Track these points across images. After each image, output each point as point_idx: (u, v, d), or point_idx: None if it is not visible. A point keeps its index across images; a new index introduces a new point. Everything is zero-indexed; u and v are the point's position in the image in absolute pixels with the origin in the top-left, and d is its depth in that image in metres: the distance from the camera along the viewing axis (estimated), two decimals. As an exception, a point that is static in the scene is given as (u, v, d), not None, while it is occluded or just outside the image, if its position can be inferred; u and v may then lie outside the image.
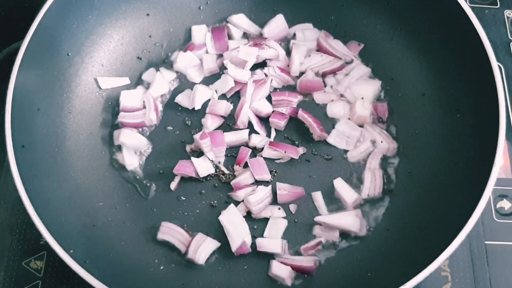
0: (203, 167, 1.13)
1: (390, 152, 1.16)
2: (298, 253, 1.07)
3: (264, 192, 1.10)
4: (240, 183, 1.11)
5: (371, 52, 1.27)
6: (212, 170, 1.14)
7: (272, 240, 1.06)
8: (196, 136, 1.14)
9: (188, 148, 1.17)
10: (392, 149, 1.16)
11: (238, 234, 1.05)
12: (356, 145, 1.17)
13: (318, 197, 1.12)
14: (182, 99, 1.23)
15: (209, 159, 1.14)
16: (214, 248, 1.06)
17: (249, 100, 1.20)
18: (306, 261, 1.05)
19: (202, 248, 1.05)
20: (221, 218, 1.07)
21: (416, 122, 1.17)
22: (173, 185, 1.13)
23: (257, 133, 1.18)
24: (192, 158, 1.13)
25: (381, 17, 1.26)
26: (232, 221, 1.07)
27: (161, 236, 1.08)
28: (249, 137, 1.17)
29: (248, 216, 1.10)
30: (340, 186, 1.12)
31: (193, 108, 1.21)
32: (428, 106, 1.17)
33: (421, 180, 1.11)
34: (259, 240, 1.06)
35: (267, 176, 1.12)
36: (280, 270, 1.03)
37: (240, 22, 1.30)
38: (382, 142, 1.16)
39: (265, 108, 1.20)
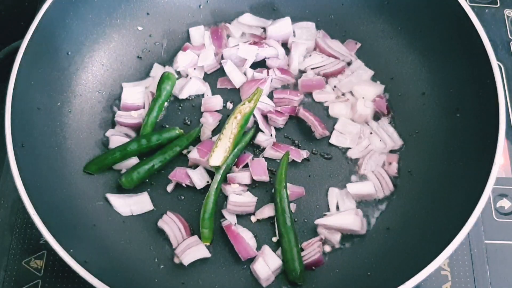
0: (199, 178, 1.11)
1: (394, 148, 1.17)
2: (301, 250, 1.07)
3: (247, 199, 1.09)
4: (235, 179, 1.11)
5: (371, 51, 1.27)
6: (209, 180, 1.12)
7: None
8: (191, 155, 1.13)
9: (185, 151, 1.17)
10: (394, 147, 1.16)
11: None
12: (358, 142, 1.17)
13: (334, 194, 1.12)
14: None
15: (205, 169, 1.13)
16: (202, 256, 1.04)
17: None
18: (312, 253, 1.05)
19: (190, 251, 1.04)
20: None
21: (416, 121, 1.17)
22: (170, 188, 1.13)
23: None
24: (188, 170, 1.12)
25: (381, 16, 1.26)
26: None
27: (160, 224, 1.08)
28: (255, 135, 1.17)
29: (251, 218, 1.10)
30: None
31: (193, 108, 1.21)
32: (428, 105, 1.17)
33: (421, 179, 1.11)
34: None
35: (266, 178, 1.12)
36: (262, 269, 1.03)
37: (247, 21, 1.30)
38: (383, 140, 1.16)
39: (267, 107, 1.20)
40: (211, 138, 1.17)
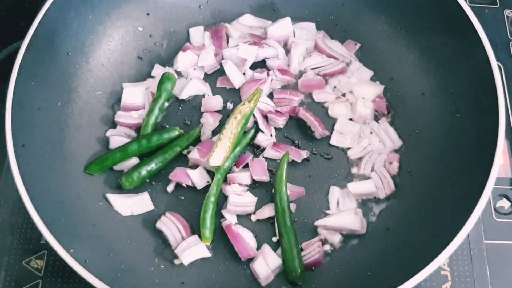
0: (199, 178, 1.12)
1: (393, 149, 1.17)
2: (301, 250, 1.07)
3: (247, 199, 1.09)
4: (235, 179, 1.11)
5: (370, 52, 1.27)
6: (209, 180, 1.12)
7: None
8: (191, 155, 1.14)
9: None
10: (394, 147, 1.16)
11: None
12: (358, 142, 1.17)
13: (335, 193, 1.13)
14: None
15: (205, 169, 1.13)
16: (202, 256, 1.05)
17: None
18: (312, 253, 1.05)
19: (191, 251, 1.04)
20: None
21: (416, 121, 1.17)
22: (170, 188, 1.13)
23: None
24: (188, 170, 1.12)
25: (381, 17, 1.26)
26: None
27: (158, 225, 1.08)
28: (255, 135, 1.17)
29: (251, 218, 1.11)
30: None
31: (193, 108, 1.22)
32: (428, 105, 1.17)
33: (421, 180, 1.11)
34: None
35: (266, 178, 1.12)
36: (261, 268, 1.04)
37: (247, 21, 1.31)
38: (382, 141, 1.16)
39: (267, 107, 1.20)
40: (211, 138, 1.17)
